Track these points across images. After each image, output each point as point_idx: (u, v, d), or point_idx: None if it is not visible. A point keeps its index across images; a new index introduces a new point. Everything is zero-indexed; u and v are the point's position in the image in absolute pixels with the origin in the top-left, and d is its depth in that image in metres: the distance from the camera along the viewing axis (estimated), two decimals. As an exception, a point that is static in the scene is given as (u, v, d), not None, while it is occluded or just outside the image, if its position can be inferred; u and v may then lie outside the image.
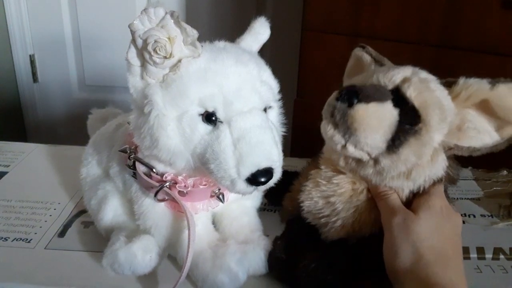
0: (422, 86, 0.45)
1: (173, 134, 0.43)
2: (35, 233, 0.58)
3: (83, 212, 0.62)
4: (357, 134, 0.43)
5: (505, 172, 0.76)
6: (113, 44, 1.75)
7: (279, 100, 0.49)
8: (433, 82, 0.46)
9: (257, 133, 0.42)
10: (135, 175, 0.50)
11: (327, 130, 0.45)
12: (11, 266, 0.52)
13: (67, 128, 1.83)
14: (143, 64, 0.43)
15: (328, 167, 0.51)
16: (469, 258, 0.55)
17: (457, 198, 0.69)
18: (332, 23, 1.22)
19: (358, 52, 0.56)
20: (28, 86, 1.84)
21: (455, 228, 0.46)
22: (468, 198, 0.69)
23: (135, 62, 0.43)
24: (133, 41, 0.42)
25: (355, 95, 0.43)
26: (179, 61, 0.42)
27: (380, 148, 0.44)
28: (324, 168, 0.51)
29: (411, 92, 0.44)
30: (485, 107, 0.45)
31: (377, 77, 0.47)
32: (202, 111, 0.43)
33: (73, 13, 1.75)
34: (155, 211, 0.50)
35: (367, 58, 0.55)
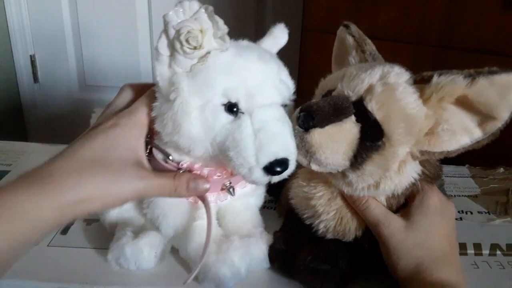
0: (386, 96, 0.43)
1: (196, 121, 0.44)
2: (38, 230, 0.58)
3: (85, 209, 0.62)
4: (316, 157, 0.43)
5: (501, 170, 0.76)
6: (113, 45, 1.76)
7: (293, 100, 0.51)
8: (400, 89, 0.43)
9: (277, 125, 0.44)
10: (149, 163, 0.51)
11: None
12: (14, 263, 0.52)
13: (67, 127, 1.84)
14: (172, 54, 0.44)
15: (307, 170, 0.50)
16: (466, 254, 0.56)
17: (454, 195, 0.69)
18: (332, 23, 1.22)
19: (341, 33, 0.55)
20: (28, 86, 1.85)
21: (450, 222, 0.47)
22: (465, 195, 0.70)
23: (165, 52, 0.44)
24: (165, 31, 0.43)
25: (311, 118, 0.42)
26: (208, 52, 0.44)
27: (344, 165, 0.44)
28: (305, 171, 0.51)
29: (372, 106, 0.42)
30: (464, 103, 0.42)
31: (341, 86, 0.45)
32: (225, 101, 0.44)
33: (73, 13, 1.76)
34: (164, 200, 0.51)
35: (350, 41, 0.53)
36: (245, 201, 0.56)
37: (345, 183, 0.46)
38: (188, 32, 0.41)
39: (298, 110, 0.44)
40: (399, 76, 0.44)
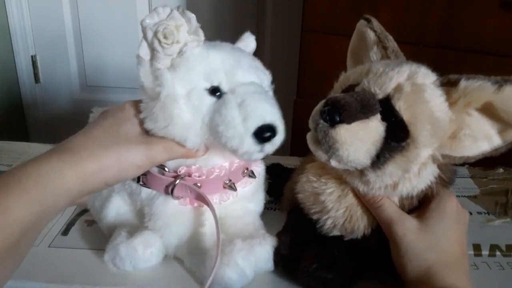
0: (414, 97, 0.42)
1: (184, 107, 0.46)
2: (39, 232, 0.58)
3: (86, 210, 0.62)
4: (339, 154, 0.43)
5: (501, 170, 0.77)
6: (114, 45, 1.76)
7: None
8: (428, 90, 0.43)
9: (258, 96, 0.46)
10: (144, 182, 0.52)
11: (311, 144, 0.45)
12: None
13: (68, 128, 1.82)
14: (152, 55, 0.47)
15: (318, 165, 0.51)
16: (465, 255, 0.56)
17: (454, 196, 0.70)
18: (331, 24, 1.23)
19: (362, 27, 0.53)
20: (30, 86, 1.86)
21: (464, 228, 0.47)
22: (464, 196, 0.70)
23: (145, 55, 0.47)
24: (144, 36, 0.46)
25: (338, 113, 0.41)
26: (185, 45, 0.47)
27: (365, 163, 0.43)
28: (315, 166, 0.51)
29: (400, 105, 0.42)
30: (487, 109, 0.42)
31: (367, 82, 0.44)
32: (208, 85, 0.47)
33: (74, 14, 1.76)
34: (166, 210, 0.51)
35: (370, 36, 0.52)
36: (245, 206, 0.57)
37: (362, 181, 0.45)
38: (165, 28, 0.45)
39: (322, 103, 0.43)
40: (426, 76, 0.44)
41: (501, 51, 1.05)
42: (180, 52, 0.47)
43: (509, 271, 0.54)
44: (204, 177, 0.51)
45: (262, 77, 0.50)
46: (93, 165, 0.41)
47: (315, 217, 0.50)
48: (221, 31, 1.73)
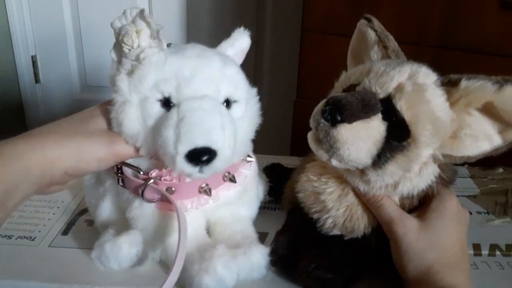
0: (416, 97, 0.42)
1: (135, 117, 0.46)
2: (39, 231, 0.58)
3: (86, 210, 0.62)
4: (340, 153, 0.43)
5: (501, 170, 0.77)
6: (114, 45, 1.76)
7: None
8: (430, 90, 0.43)
9: (200, 115, 0.44)
10: (123, 183, 0.51)
11: (312, 144, 0.45)
12: (15, 264, 0.52)
13: (68, 128, 1.84)
14: (119, 59, 0.47)
15: (318, 164, 0.51)
16: (465, 254, 0.56)
17: (454, 196, 0.70)
18: (331, 24, 1.23)
19: (362, 26, 0.53)
20: (30, 86, 1.86)
21: (464, 228, 0.47)
22: (464, 196, 0.70)
23: (115, 57, 0.48)
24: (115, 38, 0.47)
25: (339, 113, 0.42)
26: (144, 51, 0.46)
27: (366, 163, 0.43)
28: (315, 165, 0.51)
29: (402, 105, 0.42)
30: (488, 109, 0.42)
31: (368, 82, 0.44)
32: (160, 96, 0.46)
33: (74, 14, 1.76)
34: (144, 213, 0.50)
35: (371, 35, 0.52)
36: (235, 212, 0.56)
37: (363, 181, 0.45)
38: (126, 33, 0.45)
39: (323, 103, 0.43)
40: (427, 76, 0.44)
41: (501, 51, 1.05)
42: (139, 58, 0.46)
43: (509, 271, 0.54)
44: (175, 180, 0.49)
45: (226, 88, 0.47)
46: (54, 152, 0.42)
47: (315, 216, 0.50)
48: (220, 31, 1.74)
